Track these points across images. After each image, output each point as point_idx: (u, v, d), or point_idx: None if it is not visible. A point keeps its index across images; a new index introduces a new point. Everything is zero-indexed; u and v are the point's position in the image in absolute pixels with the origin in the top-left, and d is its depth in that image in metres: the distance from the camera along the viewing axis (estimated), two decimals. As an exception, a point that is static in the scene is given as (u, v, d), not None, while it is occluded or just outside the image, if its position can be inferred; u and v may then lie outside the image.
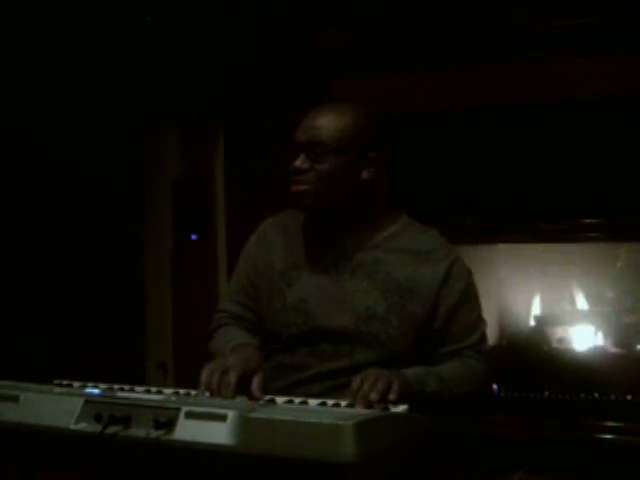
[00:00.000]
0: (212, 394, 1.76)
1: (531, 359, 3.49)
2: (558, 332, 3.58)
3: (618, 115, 3.17)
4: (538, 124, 3.29)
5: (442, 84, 3.30)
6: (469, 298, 2.02)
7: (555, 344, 3.56)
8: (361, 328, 1.95)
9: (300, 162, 1.97)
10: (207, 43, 3.78)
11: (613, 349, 3.47)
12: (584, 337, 3.53)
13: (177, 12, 3.77)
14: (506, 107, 3.25)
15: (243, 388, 1.78)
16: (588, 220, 3.29)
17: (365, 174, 2.00)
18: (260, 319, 2.10)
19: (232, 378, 1.76)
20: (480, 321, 2.05)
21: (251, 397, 1.77)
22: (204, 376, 1.80)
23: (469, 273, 2.05)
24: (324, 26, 3.44)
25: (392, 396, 1.67)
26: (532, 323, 3.68)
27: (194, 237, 3.92)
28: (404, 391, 1.72)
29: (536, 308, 3.68)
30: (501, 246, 3.65)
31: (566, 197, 3.30)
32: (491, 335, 3.70)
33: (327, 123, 1.97)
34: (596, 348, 3.49)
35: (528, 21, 3.16)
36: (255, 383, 1.79)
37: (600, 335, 3.51)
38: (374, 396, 1.65)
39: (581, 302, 3.61)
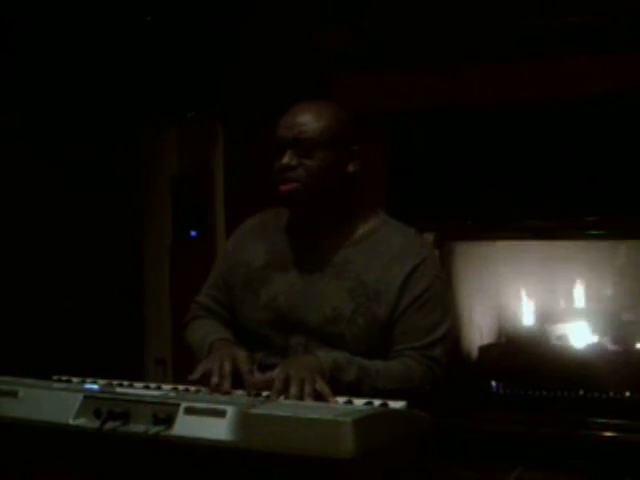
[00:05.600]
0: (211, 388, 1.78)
1: (530, 356, 3.49)
2: (557, 329, 3.58)
3: (618, 113, 3.17)
4: (538, 122, 3.29)
5: (441, 82, 3.30)
6: (426, 301, 1.96)
7: (554, 341, 3.56)
8: (327, 328, 1.96)
9: (288, 159, 1.96)
10: (206, 40, 3.77)
11: (612, 346, 3.47)
12: (583, 334, 3.54)
13: (176, 10, 3.77)
14: (506, 105, 3.25)
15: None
16: (588, 218, 3.29)
17: (351, 167, 2.01)
18: (233, 316, 2.12)
19: (226, 368, 1.81)
20: (436, 327, 1.96)
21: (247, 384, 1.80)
22: (200, 370, 1.83)
23: (435, 277, 2.00)
24: (324, 24, 3.44)
25: (325, 396, 1.69)
26: (531, 320, 3.68)
27: (193, 233, 3.93)
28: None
29: (535, 305, 3.68)
30: (500, 243, 3.65)
31: (566, 195, 3.30)
32: (490, 332, 3.71)
33: (311, 118, 1.97)
34: (595, 345, 3.50)
35: (528, 19, 3.16)
36: (243, 368, 1.83)
37: (599, 333, 3.51)
38: (309, 400, 1.66)
39: (580, 300, 3.60)
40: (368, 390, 1.83)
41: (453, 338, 2.13)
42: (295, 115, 1.99)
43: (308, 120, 1.97)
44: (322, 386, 1.71)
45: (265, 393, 1.75)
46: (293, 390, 1.68)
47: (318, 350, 1.93)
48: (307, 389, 1.69)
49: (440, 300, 2.01)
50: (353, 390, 1.78)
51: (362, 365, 1.88)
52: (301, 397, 1.68)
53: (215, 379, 1.78)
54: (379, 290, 1.96)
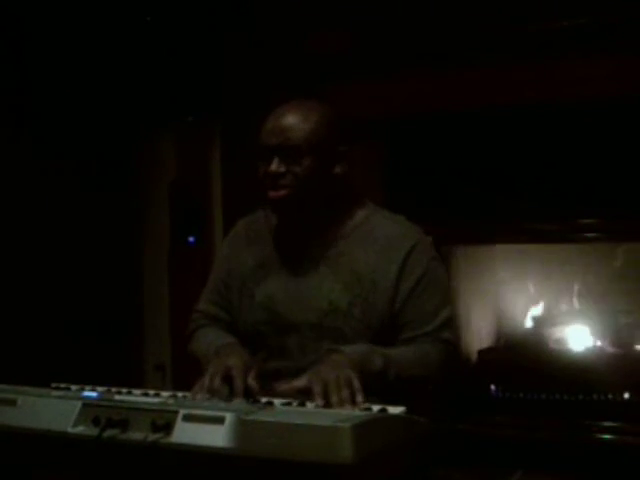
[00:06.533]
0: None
1: (529, 359, 3.49)
2: (556, 332, 3.58)
3: (617, 116, 3.18)
4: (537, 125, 3.30)
5: (440, 85, 3.31)
6: (426, 285, 1.98)
7: (553, 344, 3.56)
8: (325, 322, 1.96)
9: (276, 166, 1.96)
10: (203, 46, 3.78)
11: (611, 349, 3.47)
12: (582, 337, 3.54)
13: (173, 15, 3.77)
14: (505, 108, 3.26)
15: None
16: (586, 220, 3.29)
17: (338, 169, 2.00)
18: (233, 318, 2.12)
19: (214, 383, 1.78)
20: (441, 308, 1.99)
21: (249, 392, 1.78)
22: (207, 381, 1.81)
23: (431, 259, 2.02)
24: (320, 29, 3.44)
25: (359, 399, 1.66)
26: (530, 323, 3.68)
27: (191, 239, 3.93)
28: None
29: (534, 308, 3.68)
30: (499, 247, 3.65)
31: (564, 197, 3.30)
32: (489, 336, 3.72)
33: (297, 124, 1.96)
34: (594, 348, 3.50)
35: (526, 22, 3.17)
36: (250, 376, 1.82)
37: (597, 335, 3.51)
38: (348, 407, 1.64)
39: (579, 302, 3.61)
40: (393, 378, 1.84)
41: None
42: (281, 119, 1.98)
43: (294, 125, 1.96)
44: (358, 388, 1.68)
45: (263, 400, 1.74)
46: (334, 398, 1.65)
47: (328, 346, 1.90)
48: (344, 393, 1.66)
49: (440, 282, 2.02)
50: (380, 380, 1.79)
51: (385, 353, 1.88)
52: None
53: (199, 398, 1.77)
54: (374, 280, 1.97)
